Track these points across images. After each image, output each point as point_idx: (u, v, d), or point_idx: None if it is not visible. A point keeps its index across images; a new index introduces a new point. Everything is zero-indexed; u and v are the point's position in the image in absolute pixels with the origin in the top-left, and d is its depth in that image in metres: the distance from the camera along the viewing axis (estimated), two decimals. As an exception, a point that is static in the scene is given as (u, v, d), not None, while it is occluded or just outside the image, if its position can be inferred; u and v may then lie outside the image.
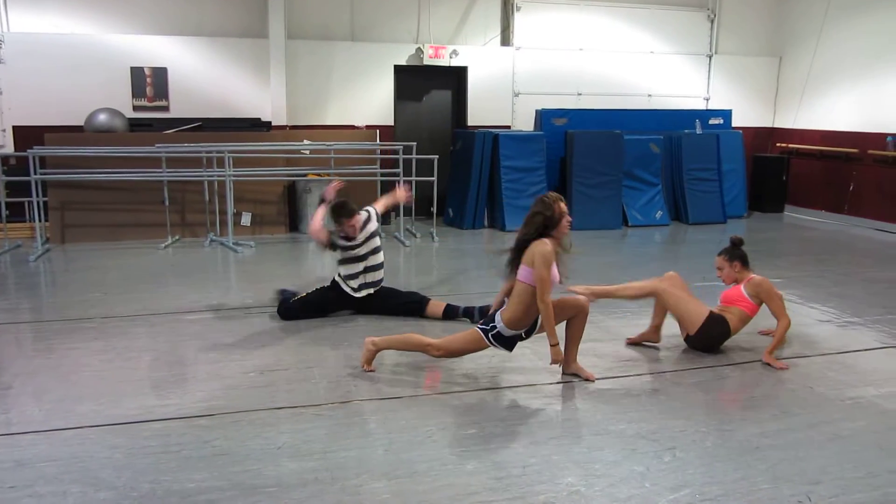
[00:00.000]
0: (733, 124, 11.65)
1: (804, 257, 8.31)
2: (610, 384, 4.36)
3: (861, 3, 10.53)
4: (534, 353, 4.87)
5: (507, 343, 4.29)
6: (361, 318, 5.61)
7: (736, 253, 5.05)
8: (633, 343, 5.13)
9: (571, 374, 4.43)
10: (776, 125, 12.32)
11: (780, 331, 4.74)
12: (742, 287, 4.93)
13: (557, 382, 4.39)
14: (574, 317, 4.38)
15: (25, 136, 8.91)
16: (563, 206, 4.17)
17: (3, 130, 9.10)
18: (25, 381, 4.29)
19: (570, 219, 4.22)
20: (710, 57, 11.89)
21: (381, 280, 5.69)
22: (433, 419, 3.82)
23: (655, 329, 5.09)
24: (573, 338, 4.43)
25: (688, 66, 11.82)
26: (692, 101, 11.89)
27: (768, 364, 4.68)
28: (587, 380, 4.37)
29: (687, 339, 4.99)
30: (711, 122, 11.44)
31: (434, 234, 9.19)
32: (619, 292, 5.05)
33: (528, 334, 4.33)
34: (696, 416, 3.90)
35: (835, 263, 7.92)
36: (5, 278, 6.99)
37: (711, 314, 4.83)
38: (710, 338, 4.87)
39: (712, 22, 11.79)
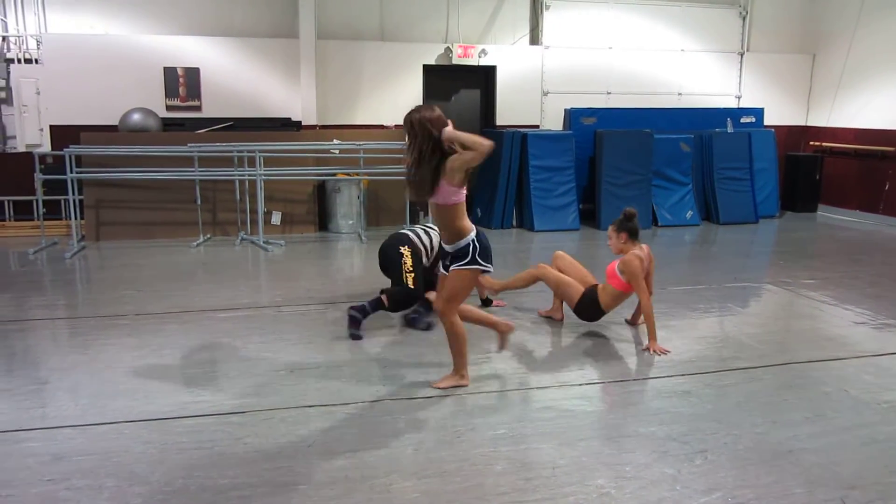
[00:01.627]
0: (765, 123, 11.50)
1: (838, 258, 8.18)
2: (640, 386, 4.34)
3: (898, -1, 10.35)
4: (562, 352, 4.86)
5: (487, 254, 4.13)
6: (392, 317, 5.62)
7: (625, 224, 5.22)
8: (543, 316, 5.67)
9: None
10: (809, 123, 12.14)
11: (644, 313, 4.96)
12: (617, 262, 5.11)
13: (587, 384, 4.38)
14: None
15: (62, 135, 9.07)
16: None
17: (41, 130, 9.27)
18: (61, 377, 4.37)
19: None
20: (742, 55, 11.74)
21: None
22: (462, 419, 3.83)
23: (558, 307, 5.61)
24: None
25: (719, 64, 11.69)
26: (723, 100, 11.76)
27: (655, 352, 4.85)
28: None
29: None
30: (743, 120, 11.31)
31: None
32: (511, 284, 5.69)
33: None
34: (728, 418, 3.86)
35: (869, 264, 7.78)
36: (42, 275, 7.13)
37: (585, 292, 5.22)
38: (585, 312, 5.28)
39: (744, 19, 11.65)
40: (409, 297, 5.30)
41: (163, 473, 3.22)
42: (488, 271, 4.19)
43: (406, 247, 5.43)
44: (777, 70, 11.90)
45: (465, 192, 4.06)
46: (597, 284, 5.32)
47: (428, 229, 5.75)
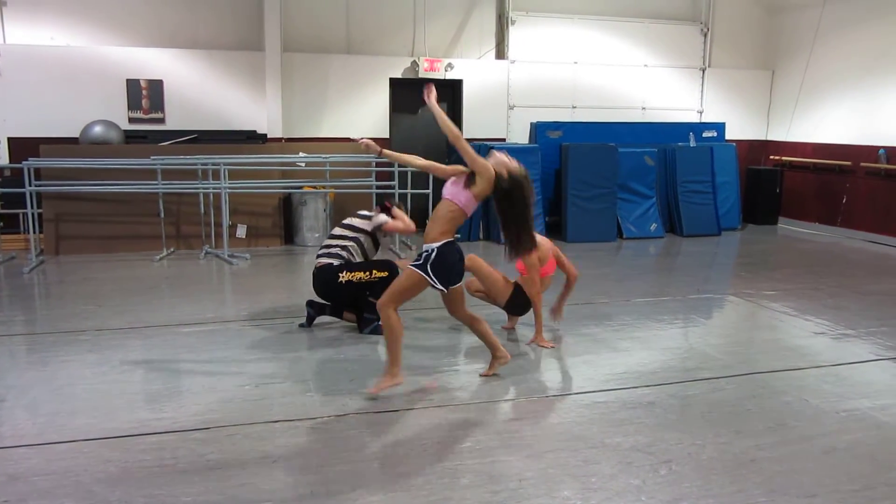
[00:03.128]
0: (727, 137, 11.71)
1: (798, 269, 8.34)
2: (605, 397, 4.36)
3: (852, 17, 10.63)
4: (528, 365, 4.88)
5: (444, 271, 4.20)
6: (354, 332, 5.60)
7: None
8: (506, 329, 5.71)
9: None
10: (769, 138, 12.40)
11: (533, 302, 5.26)
12: None
13: (554, 395, 4.39)
14: None
15: (21, 147, 8.90)
16: None
17: (-1, 142, 9.10)
18: (19, 394, 4.27)
19: None
20: (704, 70, 11.97)
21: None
22: (429, 432, 3.81)
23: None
24: None
25: (681, 80, 11.90)
26: (686, 114, 11.96)
27: (541, 346, 5.17)
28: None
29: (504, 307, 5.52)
30: (705, 134, 11.50)
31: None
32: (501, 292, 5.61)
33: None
34: (692, 428, 3.90)
35: (829, 275, 7.95)
36: (-1, 290, 6.97)
37: (516, 286, 5.34)
38: (519, 306, 5.44)
39: (705, 36, 11.88)
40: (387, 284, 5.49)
41: (123, 492, 3.15)
42: (435, 286, 4.20)
43: (343, 272, 5.44)
44: (738, 85, 12.15)
45: (473, 207, 4.29)
46: (517, 280, 5.45)
47: (339, 231, 5.70)
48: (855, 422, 4.03)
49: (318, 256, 5.59)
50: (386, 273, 5.43)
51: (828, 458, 3.59)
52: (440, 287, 4.20)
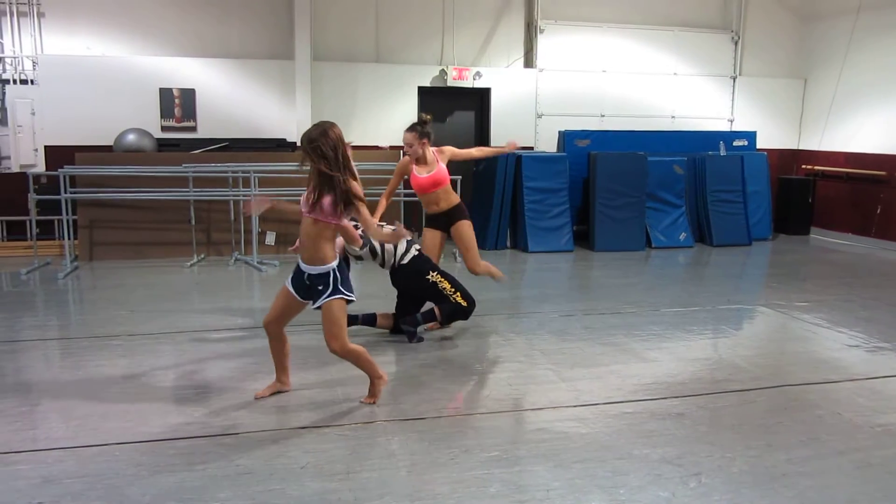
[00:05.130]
0: (758, 146, 11.58)
1: (831, 280, 8.21)
2: (633, 407, 4.33)
3: (887, 24, 10.47)
4: (556, 374, 4.86)
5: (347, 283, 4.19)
6: (390, 337, 5.62)
7: (424, 131, 5.76)
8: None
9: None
10: (801, 147, 12.24)
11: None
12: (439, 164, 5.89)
13: (581, 405, 4.36)
14: None
15: (57, 155, 9.07)
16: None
17: (36, 150, 9.28)
18: (53, 398, 4.34)
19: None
20: (735, 78, 11.86)
21: None
22: (456, 441, 3.81)
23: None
24: None
25: (712, 88, 11.81)
26: (716, 123, 11.86)
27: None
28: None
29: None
30: (736, 143, 11.38)
31: (457, 255, 9.19)
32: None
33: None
34: (722, 441, 3.85)
35: (862, 287, 7.82)
36: (35, 295, 7.10)
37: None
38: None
39: (736, 44, 11.78)
40: (464, 312, 5.60)
41: (154, 496, 3.19)
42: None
43: (436, 273, 5.56)
44: (769, 94, 12.02)
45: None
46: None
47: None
48: (890, 437, 3.95)
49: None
50: (465, 303, 5.55)
51: (861, 473, 3.52)
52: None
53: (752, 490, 3.32)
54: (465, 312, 5.60)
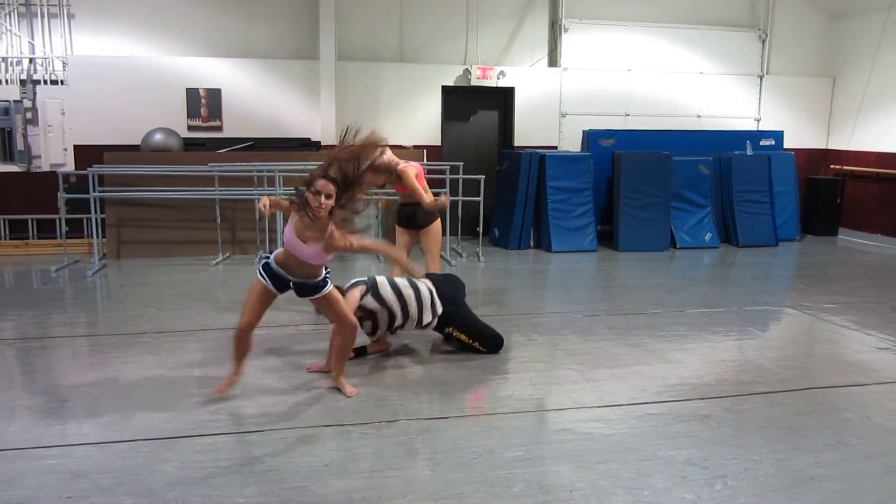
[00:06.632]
0: (785, 146, 11.45)
1: (859, 282, 8.09)
2: (658, 409, 4.30)
3: (919, 22, 10.31)
4: (580, 374, 4.84)
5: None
6: (412, 335, 5.64)
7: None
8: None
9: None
10: (830, 147, 12.07)
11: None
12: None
13: (605, 406, 4.34)
14: None
15: (86, 154, 9.21)
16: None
17: (65, 149, 9.41)
18: (82, 394, 4.41)
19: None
20: (762, 77, 11.73)
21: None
22: (479, 440, 3.81)
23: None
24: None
25: (738, 87, 11.68)
26: (743, 122, 11.73)
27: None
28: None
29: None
30: (762, 143, 11.26)
31: (480, 254, 9.20)
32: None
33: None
34: (748, 443, 3.82)
35: (891, 289, 7.69)
36: (63, 293, 7.21)
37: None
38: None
39: (763, 42, 11.65)
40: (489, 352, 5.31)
41: (180, 492, 3.23)
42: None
43: (452, 328, 5.28)
44: (797, 93, 11.87)
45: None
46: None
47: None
48: (920, 441, 3.89)
49: None
50: (485, 349, 5.27)
51: (891, 478, 3.47)
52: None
53: (779, 493, 3.28)
54: (490, 351, 5.30)
